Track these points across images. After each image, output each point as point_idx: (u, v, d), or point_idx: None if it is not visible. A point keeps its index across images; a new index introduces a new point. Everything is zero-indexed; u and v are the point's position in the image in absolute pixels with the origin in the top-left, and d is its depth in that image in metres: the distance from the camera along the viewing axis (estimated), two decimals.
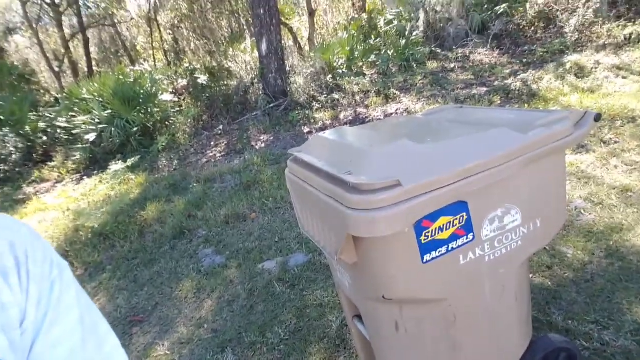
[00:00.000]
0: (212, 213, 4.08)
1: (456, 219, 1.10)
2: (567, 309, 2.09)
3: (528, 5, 7.44)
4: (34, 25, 14.91)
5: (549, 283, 2.30)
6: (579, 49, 6.24)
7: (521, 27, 7.62)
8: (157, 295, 3.06)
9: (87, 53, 14.68)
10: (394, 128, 1.46)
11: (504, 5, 7.51)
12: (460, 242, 1.13)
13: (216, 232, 3.75)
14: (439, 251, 1.11)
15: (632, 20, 6.29)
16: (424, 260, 1.10)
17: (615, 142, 3.73)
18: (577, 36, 6.51)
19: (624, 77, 5.12)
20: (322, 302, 2.53)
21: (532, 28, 7.49)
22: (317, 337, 2.25)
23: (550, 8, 7.29)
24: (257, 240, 3.47)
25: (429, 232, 1.08)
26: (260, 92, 7.25)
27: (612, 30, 6.28)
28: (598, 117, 1.22)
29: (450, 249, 1.12)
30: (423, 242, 1.08)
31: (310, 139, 1.48)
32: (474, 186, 1.06)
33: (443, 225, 1.09)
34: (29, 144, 7.72)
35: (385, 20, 9.11)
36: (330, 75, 7.52)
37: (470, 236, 1.14)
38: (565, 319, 2.02)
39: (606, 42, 6.12)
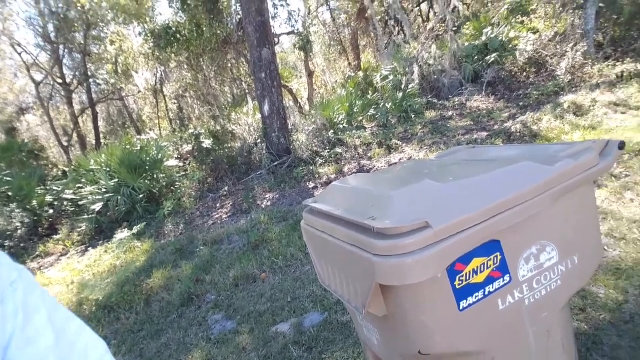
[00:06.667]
0: (221, 276, 3.94)
1: (490, 259, 1.02)
2: (611, 356, 1.91)
3: (517, 53, 7.76)
4: (45, 104, 15.63)
5: (585, 327, 2.13)
6: (573, 89, 6.40)
7: (513, 73, 7.90)
8: None
9: (96, 127, 15.23)
10: (410, 171, 1.42)
11: (494, 55, 7.84)
12: (497, 284, 1.04)
13: (225, 296, 3.60)
14: (476, 296, 1.02)
15: (620, 59, 6.52)
16: (461, 308, 1.01)
17: (627, 176, 3.68)
18: (569, 77, 6.71)
19: (622, 113, 5.18)
20: None
21: (524, 73, 7.76)
22: None
23: (540, 54, 7.59)
24: (268, 301, 3.31)
25: (462, 276, 1.00)
26: (264, 152, 7.36)
27: (602, 70, 6.49)
28: (622, 145, 1.18)
29: (487, 293, 1.03)
30: (458, 287, 1.00)
31: (325, 189, 1.44)
32: (506, 223, 1.00)
33: (477, 267, 1.01)
34: (35, 218, 7.72)
35: (381, 76, 9.48)
36: (331, 131, 7.68)
37: (506, 277, 1.05)
38: None
39: (599, 81, 6.28)
